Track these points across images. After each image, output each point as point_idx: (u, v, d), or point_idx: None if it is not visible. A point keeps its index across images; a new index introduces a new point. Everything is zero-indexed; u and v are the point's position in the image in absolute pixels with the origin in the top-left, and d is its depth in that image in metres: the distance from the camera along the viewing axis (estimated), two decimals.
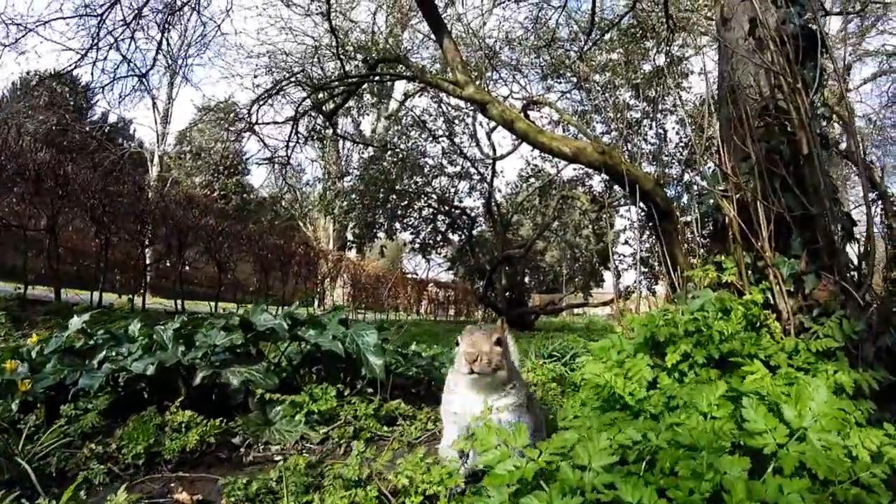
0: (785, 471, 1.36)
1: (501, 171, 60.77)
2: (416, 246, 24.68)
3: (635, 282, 20.27)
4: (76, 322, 3.92)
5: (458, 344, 2.51)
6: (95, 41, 11.98)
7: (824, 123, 4.62)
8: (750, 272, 3.33)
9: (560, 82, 21.06)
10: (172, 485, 2.55)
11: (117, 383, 3.44)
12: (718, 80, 5.19)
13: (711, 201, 4.06)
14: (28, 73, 22.17)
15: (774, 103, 4.32)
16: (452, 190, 23.95)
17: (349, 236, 25.27)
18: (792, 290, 3.12)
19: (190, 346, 3.66)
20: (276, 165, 15.68)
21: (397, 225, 23.61)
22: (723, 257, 3.41)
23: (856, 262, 3.57)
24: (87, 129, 26.39)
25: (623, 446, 1.51)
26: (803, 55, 4.18)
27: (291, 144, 14.63)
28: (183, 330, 3.91)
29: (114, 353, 3.67)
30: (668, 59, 18.65)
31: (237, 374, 3.50)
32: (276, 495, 2.36)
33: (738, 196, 3.68)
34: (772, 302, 3.02)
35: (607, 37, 18.12)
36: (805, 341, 2.52)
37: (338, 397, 3.74)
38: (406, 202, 22.95)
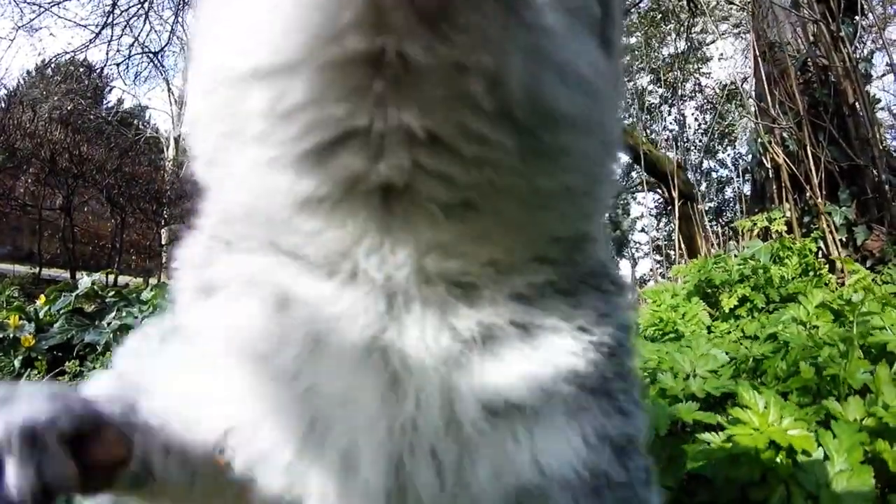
0: None
1: None
2: None
3: (651, 269, 20.03)
4: (85, 282, 3.78)
5: None
6: (109, 19, 11.88)
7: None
8: (797, 227, 3.16)
9: None
10: None
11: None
12: (753, 38, 5.06)
13: (751, 157, 3.86)
14: (43, 60, 22.10)
15: (814, 59, 4.16)
16: None
17: None
18: (844, 240, 2.95)
19: None
20: None
21: None
22: (765, 214, 3.24)
23: None
24: (103, 114, 26.39)
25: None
26: (842, 11, 4.03)
27: None
28: None
29: (124, 314, 3.52)
30: (688, 44, 18.26)
31: None
32: None
33: (782, 148, 3.52)
34: (824, 252, 2.84)
35: (626, 20, 17.74)
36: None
37: None
38: None
